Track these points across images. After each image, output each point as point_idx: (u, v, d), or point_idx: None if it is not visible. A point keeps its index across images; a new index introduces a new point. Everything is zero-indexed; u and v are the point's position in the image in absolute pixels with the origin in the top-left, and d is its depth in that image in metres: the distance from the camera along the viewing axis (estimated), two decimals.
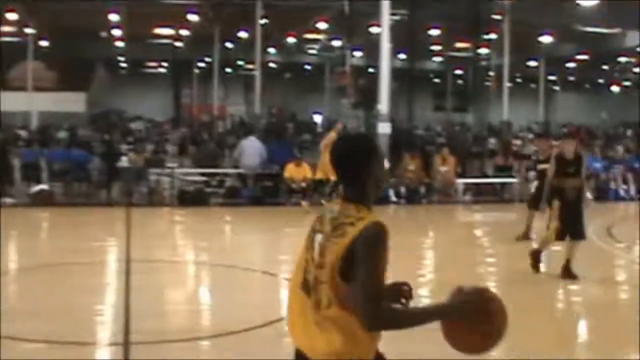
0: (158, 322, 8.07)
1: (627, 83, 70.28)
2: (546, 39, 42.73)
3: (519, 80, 60.05)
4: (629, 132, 45.93)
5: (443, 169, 20.47)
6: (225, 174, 20.59)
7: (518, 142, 29.82)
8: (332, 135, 16.54)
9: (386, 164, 3.92)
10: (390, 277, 3.31)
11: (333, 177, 13.15)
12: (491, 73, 36.07)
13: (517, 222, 18.75)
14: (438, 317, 3.51)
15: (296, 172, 18.56)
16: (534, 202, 13.31)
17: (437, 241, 15.49)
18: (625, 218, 19.02)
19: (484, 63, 35.67)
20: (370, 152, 3.60)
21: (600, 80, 69.81)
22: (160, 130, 40.28)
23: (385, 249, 3.31)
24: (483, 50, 34.90)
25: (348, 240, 3.31)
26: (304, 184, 18.32)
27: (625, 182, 22.09)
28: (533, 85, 55.79)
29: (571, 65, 56.42)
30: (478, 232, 16.95)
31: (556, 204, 10.71)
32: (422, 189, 20.19)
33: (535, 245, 11.59)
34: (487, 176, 22.44)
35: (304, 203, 17.56)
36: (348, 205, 3.46)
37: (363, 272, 3.26)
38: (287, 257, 11.68)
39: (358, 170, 3.53)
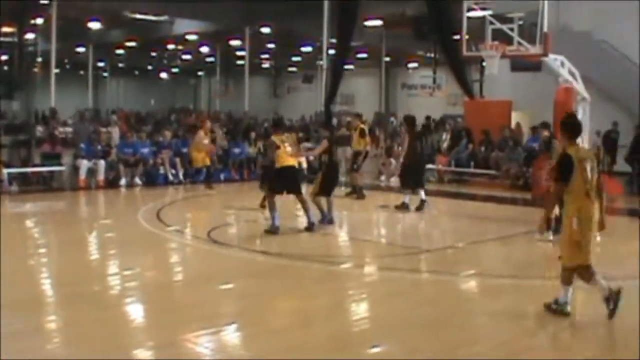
0: None
1: (175, 70, 73.04)
2: (95, 25, 42.82)
3: (67, 66, 59.49)
4: (173, 117, 47.67)
5: None
6: None
7: (67, 129, 29.44)
8: None
9: None
10: None
11: None
12: (39, 59, 35.03)
13: (68, 210, 18.56)
14: None
15: None
16: None
17: None
18: (174, 202, 19.69)
19: (30, 48, 34.42)
20: None
21: (149, 67, 71.57)
22: None
23: None
24: (29, 36, 33.75)
25: None
26: None
27: (173, 166, 22.79)
28: (82, 72, 55.56)
29: (120, 51, 57.00)
30: (29, 223, 16.34)
31: None
32: None
33: None
34: (34, 165, 21.71)
35: None
36: None
37: None
38: None
39: None
